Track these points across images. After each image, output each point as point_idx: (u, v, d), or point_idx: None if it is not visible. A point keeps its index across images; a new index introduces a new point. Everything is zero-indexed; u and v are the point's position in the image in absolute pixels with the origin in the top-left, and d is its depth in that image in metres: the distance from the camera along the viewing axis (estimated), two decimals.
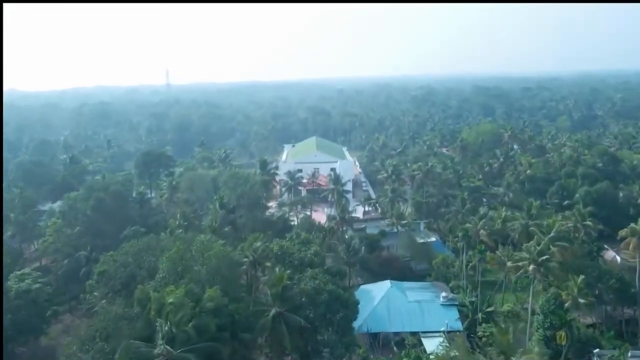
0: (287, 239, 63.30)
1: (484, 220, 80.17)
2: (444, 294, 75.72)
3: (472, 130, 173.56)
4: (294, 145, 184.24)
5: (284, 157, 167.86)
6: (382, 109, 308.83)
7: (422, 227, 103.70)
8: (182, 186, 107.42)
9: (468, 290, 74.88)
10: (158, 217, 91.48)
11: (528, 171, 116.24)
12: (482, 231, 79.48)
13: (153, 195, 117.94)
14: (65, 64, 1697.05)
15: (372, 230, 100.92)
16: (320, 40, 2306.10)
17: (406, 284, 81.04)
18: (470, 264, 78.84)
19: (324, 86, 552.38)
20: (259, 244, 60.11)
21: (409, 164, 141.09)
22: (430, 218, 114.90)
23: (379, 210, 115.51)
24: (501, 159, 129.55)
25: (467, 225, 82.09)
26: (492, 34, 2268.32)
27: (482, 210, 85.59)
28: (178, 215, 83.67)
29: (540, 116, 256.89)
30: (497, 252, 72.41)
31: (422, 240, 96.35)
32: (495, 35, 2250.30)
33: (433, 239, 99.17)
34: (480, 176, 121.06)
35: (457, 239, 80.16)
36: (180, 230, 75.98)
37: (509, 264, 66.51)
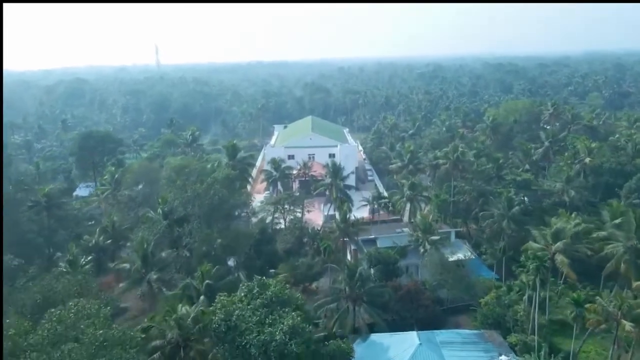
0: (244, 292, 34.59)
1: (565, 240, 51.56)
2: (503, 357, 48.27)
3: (499, 108, 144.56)
4: (285, 127, 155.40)
5: (273, 140, 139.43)
6: (387, 86, 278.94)
7: (452, 237, 75.80)
8: (128, 181, 79.33)
9: (543, 353, 47.32)
10: (81, 229, 63.44)
11: (587, 159, 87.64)
12: (559, 256, 51.28)
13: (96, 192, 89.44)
14: (58, 44, 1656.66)
15: (384, 242, 73.15)
16: (319, 21, 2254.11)
17: (441, 335, 53.48)
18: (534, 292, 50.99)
19: (324, 65, 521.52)
20: (185, 309, 31.86)
21: (423, 150, 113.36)
22: (457, 219, 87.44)
23: (390, 207, 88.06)
24: (546, 144, 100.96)
25: (533, 245, 53.76)
26: (492, 14, 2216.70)
27: (555, 221, 56.92)
28: (98, 230, 55.51)
29: (567, 93, 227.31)
30: (598, 299, 44.37)
31: (454, 258, 68.43)
32: (495, 15, 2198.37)
33: (470, 255, 71.32)
34: (527, 166, 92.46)
35: (524, 269, 51.82)
36: (88, 258, 47.92)
37: (628, 326, 38.52)
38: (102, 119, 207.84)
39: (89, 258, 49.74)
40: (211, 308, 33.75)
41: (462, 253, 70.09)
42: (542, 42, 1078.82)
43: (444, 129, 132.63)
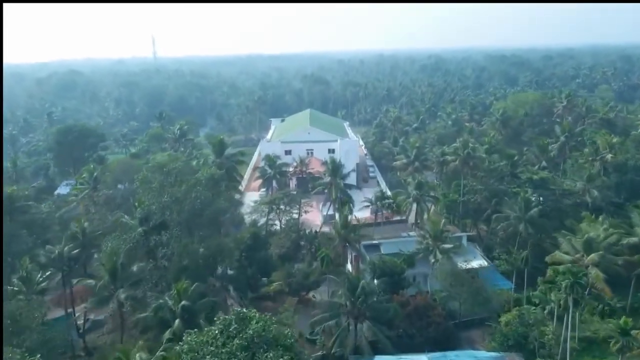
0: (220, 329, 27.35)
1: (600, 252, 44.55)
2: None
3: (507, 100, 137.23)
4: (283, 120, 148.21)
5: (269, 134, 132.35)
6: (388, 79, 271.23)
7: (464, 241, 68.77)
8: (108, 180, 72.38)
9: None
10: (49, 235, 56.44)
11: (609, 156, 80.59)
12: (594, 270, 44.35)
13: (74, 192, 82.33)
14: (56, 36, 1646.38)
15: (389, 248, 66.22)
16: (318, 21, 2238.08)
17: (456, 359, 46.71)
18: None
19: (324, 57, 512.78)
20: (139, 357, 25.03)
21: (429, 145, 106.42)
22: (467, 220, 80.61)
23: (394, 208, 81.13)
24: (562, 138, 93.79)
25: (563, 256, 46.79)
26: (491, 13, 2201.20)
27: (586, 228, 49.92)
28: (65, 237, 48.49)
29: (575, 86, 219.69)
30: None
31: (467, 266, 61.54)
32: (494, 14, 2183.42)
33: (485, 263, 64.39)
34: (544, 163, 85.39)
35: (553, 285, 44.93)
36: (47, 273, 40.98)
37: None
38: (93, 111, 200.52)
39: (48, 273, 42.87)
40: (177, 348, 26.79)
41: (476, 262, 63.24)
42: (543, 35, 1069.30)
43: (450, 122, 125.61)
